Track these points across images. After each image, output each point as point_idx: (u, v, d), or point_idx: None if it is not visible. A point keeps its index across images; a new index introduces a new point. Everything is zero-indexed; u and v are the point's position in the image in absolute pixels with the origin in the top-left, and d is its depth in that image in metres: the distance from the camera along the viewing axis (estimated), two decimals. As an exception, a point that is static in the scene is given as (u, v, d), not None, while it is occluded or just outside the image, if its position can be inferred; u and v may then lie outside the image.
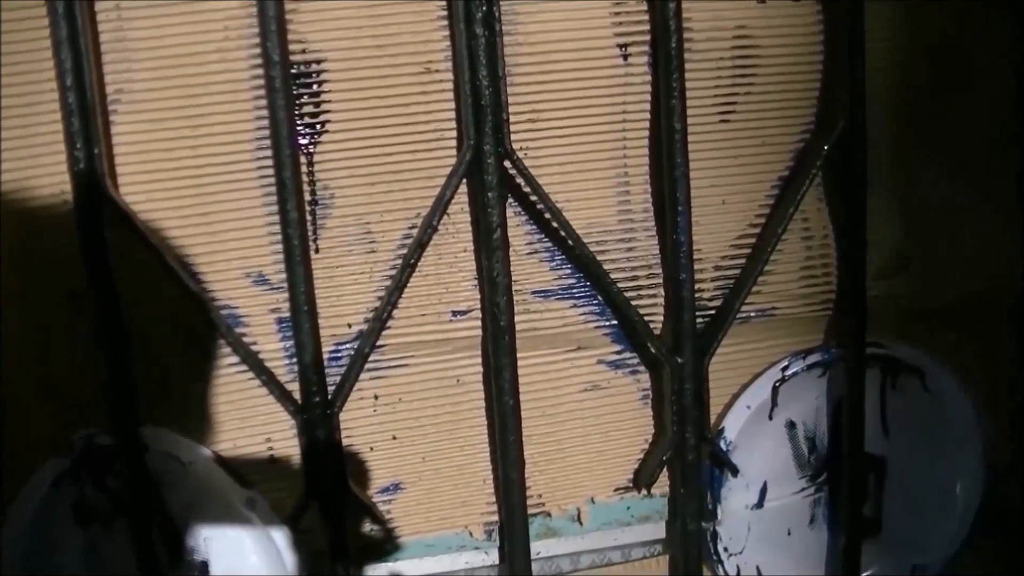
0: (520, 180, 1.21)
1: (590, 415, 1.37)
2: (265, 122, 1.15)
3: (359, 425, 1.29)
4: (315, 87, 1.18)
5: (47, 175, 1.12)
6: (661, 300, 1.33)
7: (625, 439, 1.39)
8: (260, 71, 1.14)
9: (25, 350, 1.16)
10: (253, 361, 1.20)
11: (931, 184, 1.36)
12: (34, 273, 1.15)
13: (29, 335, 1.16)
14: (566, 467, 1.38)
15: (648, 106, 1.26)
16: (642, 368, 1.36)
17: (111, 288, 1.12)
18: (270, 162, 1.16)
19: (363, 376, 1.25)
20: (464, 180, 1.21)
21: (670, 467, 1.38)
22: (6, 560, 1.15)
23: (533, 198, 1.23)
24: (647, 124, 1.27)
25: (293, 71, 1.15)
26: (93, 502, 1.20)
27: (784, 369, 1.37)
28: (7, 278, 1.13)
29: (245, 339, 1.21)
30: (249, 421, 1.24)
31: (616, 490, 1.41)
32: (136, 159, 1.15)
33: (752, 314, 1.36)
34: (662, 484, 1.39)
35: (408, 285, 1.23)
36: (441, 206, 1.20)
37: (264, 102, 1.14)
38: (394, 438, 1.31)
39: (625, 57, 1.24)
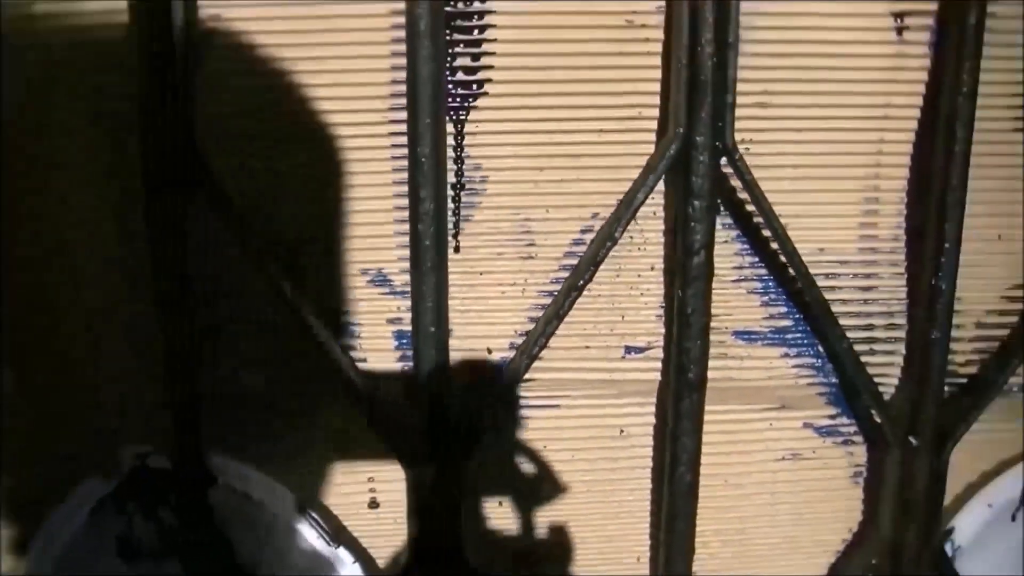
0: (737, 184, 0.92)
1: (783, 490, 1.10)
2: (403, 74, 0.87)
3: (488, 475, 1.02)
4: (475, 32, 0.91)
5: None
6: (899, 359, 1.05)
7: (823, 525, 1.12)
8: (402, 4, 0.86)
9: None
10: (359, 387, 0.92)
11: None
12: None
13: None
14: (744, 553, 1.11)
15: (920, 100, 0.96)
16: (859, 439, 1.09)
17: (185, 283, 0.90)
18: (405, 129, 0.88)
19: (500, 414, 0.99)
20: (662, 179, 0.92)
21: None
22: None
23: (751, 209, 0.94)
24: (914, 124, 0.98)
25: (448, 8, 0.87)
26: (142, 536, 0.96)
27: (1045, 463, 1.07)
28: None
29: (354, 353, 0.94)
30: (349, 461, 0.99)
31: (806, 589, 1.13)
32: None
33: (1014, 388, 1.07)
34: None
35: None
36: (630, 211, 0.91)
37: (403, 47, 0.87)
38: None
39: (899, 31, 0.95)
